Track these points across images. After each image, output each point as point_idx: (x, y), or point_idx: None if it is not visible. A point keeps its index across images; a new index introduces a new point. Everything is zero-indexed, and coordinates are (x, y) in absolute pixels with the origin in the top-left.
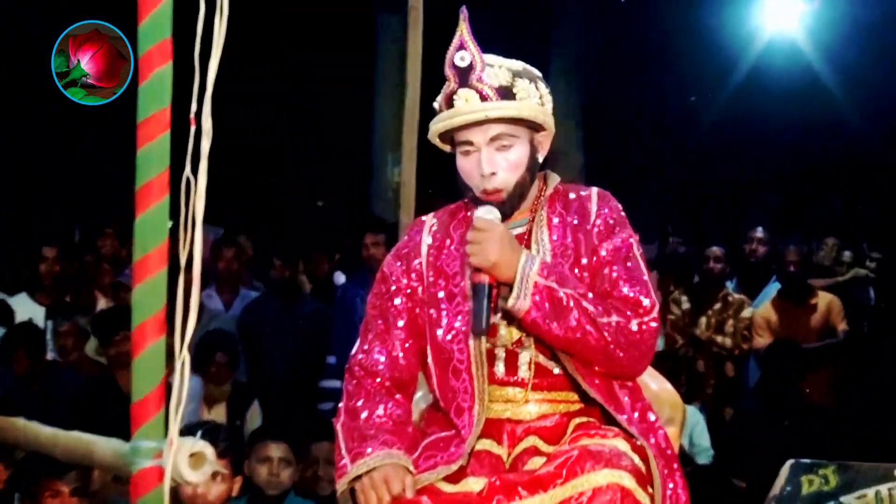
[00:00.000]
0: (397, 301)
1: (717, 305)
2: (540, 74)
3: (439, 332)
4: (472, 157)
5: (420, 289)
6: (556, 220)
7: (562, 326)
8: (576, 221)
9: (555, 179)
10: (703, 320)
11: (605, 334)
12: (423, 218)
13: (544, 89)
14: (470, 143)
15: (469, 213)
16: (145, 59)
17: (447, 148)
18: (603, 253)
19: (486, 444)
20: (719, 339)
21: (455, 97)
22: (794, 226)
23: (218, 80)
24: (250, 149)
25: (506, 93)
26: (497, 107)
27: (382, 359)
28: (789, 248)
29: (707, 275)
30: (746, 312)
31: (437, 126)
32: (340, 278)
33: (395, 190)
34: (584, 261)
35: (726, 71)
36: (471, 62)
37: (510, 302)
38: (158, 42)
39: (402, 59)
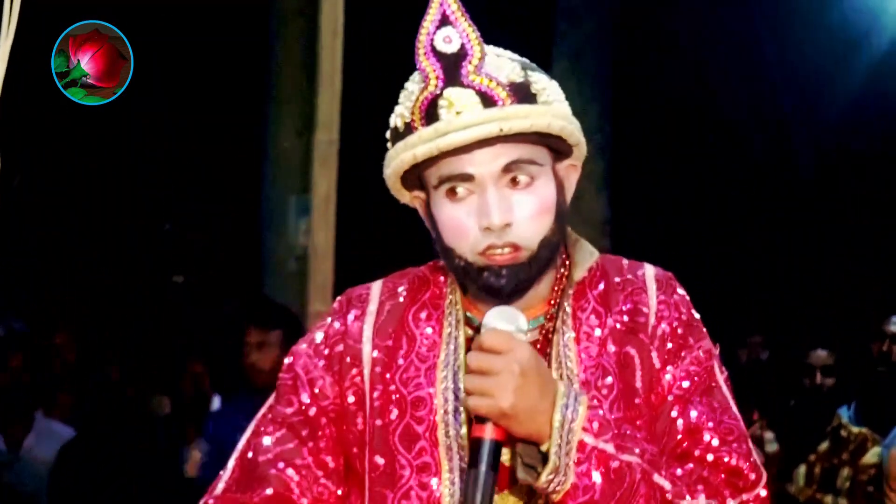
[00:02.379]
0: (322, 421)
1: (825, 445)
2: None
3: (389, 497)
4: (468, 203)
5: (358, 416)
6: (587, 323)
7: None
8: (623, 328)
9: (590, 252)
10: (802, 470)
11: None
12: (363, 290)
13: (560, 90)
14: (466, 179)
15: (445, 293)
16: None
17: (406, 198)
18: (669, 381)
19: None
20: (829, 500)
21: (440, 103)
22: None
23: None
24: (67, 191)
25: (523, 92)
26: (517, 113)
27: (303, 501)
28: None
29: (808, 396)
30: (872, 455)
31: (405, 155)
32: (213, 402)
33: (302, 257)
34: (640, 396)
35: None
36: (462, 45)
37: (542, 478)
38: None
39: (311, 42)
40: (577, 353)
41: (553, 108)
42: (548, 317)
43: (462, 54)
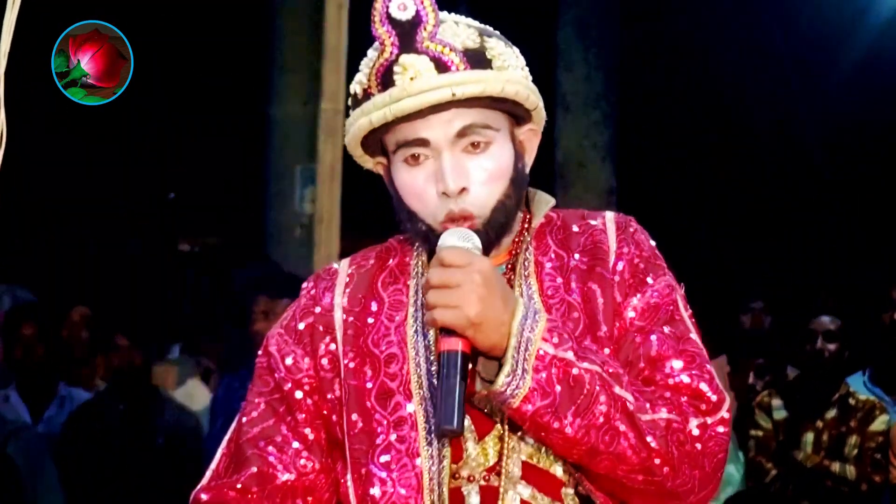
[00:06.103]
0: (297, 394)
1: (832, 413)
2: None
3: (368, 454)
4: (425, 168)
5: (335, 383)
6: (549, 266)
7: (581, 424)
8: (584, 266)
9: (546, 201)
10: (810, 437)
11: (650, 440)
12: (335, 266)
13: (520, 56)
14: (422, 144)
15: (410, 259)
16: None
17: (370, 164)
18: (631, 314)
19: None
20: (836, 466)
21: (395, 69)
22: None
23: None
24: (72, 162)
25: (477, 58)
26: (469, 79)
27: (287, 476)
28: None
29: (812, 363)
30: (879, 423)
31: (362, 121)
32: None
33: (307, 225)
34: (603, 329)
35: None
36: (417, 12)
37: (499, 381)
38: None
39: (317, 13)
40: (541, 294)
41: (507, 74)
42: (508, 265)
43: (416, 21)
